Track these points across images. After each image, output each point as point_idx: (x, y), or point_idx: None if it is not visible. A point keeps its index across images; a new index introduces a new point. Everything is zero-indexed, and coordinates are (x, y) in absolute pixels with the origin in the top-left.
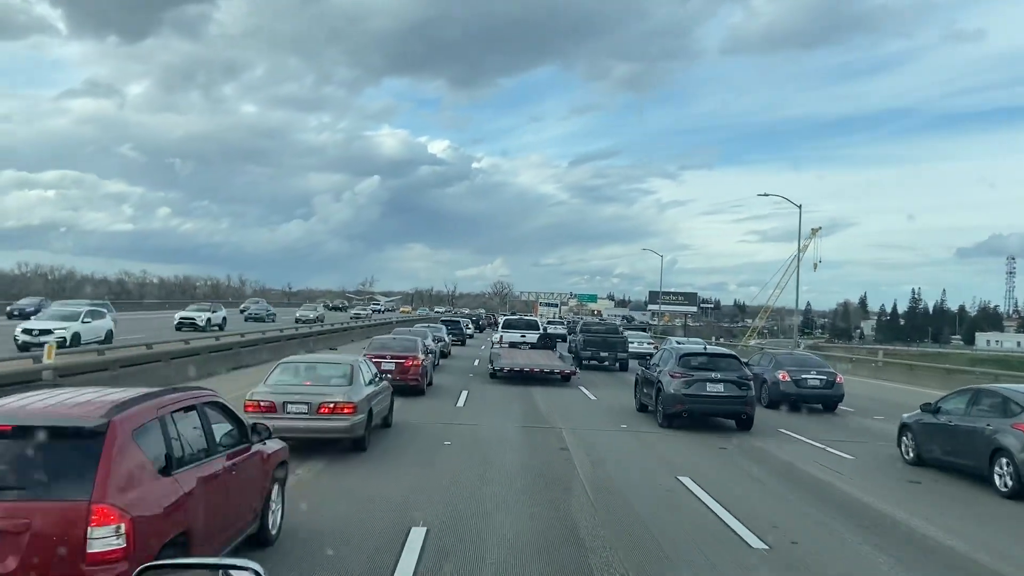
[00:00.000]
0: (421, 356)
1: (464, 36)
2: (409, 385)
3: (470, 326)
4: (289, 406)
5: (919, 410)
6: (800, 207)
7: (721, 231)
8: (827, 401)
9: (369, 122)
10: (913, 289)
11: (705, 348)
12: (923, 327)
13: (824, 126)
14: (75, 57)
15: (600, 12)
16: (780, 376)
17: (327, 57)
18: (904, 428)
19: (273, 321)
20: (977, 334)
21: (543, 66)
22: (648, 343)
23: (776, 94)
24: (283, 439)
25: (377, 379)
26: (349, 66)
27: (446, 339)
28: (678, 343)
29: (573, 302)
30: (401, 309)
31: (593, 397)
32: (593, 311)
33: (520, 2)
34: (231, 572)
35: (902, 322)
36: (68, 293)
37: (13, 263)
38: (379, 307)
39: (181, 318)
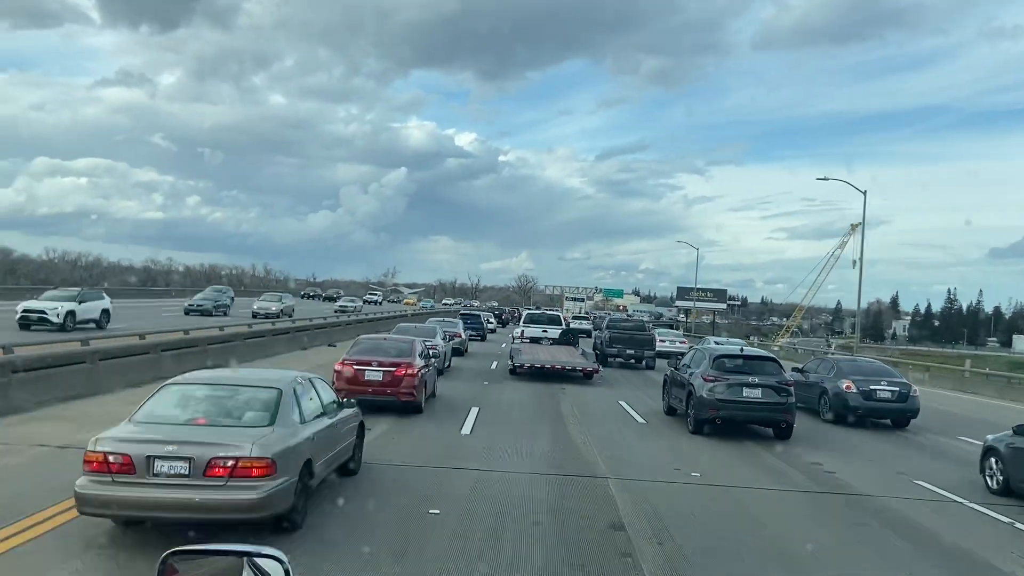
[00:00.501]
0: (418, 363)
1: (493, 29)
2: (401, 401)
3: (491, 320)
4: (159, 464)
5: (1010, 431)
6: (865, 193)
7: (748, 228)
8: (900, 416)
9: (397, 114)
10: (949, 289)
11: (742, 349)
12: (958, 328)
13: (856, 123)
14: (108, 46)
15: (632, 6)
16: (844, 386)
17: (356, 48)
18: (989, 452)
19: (224, 315)
20: (1015, 336)
21: (572, 60)
22: (680, 342)
23: (807, 90)
24: (154, 521)
25: (334, 406)
26: (378, 58)
27: (462, 335)
28: (716, 343)
29: (599, 297)
30: (405, 300)
31: (640, 418)
32: (619, 307)
33: None
34: (256, 559)
35: (936, 323)
36: (94, 280)
37: (41, 249)
38: (376, 298)
39: (25, 311)
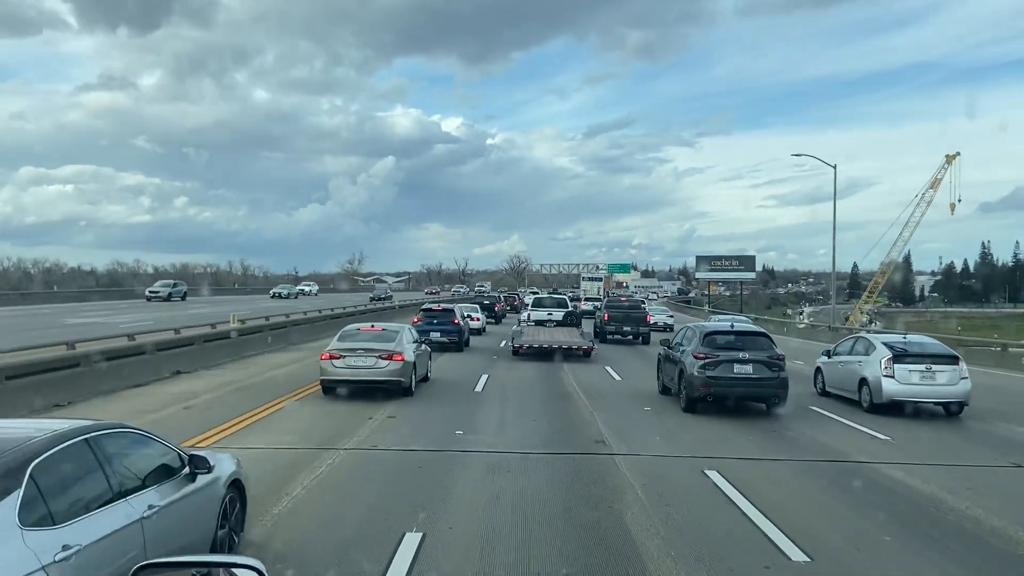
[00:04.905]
0: None
1: (476, 11)
2: None
3: (477, 315)
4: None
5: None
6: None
7: (739, 197)
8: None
9: (382, 102)
10: (983, 243)
11: (732, 326)
12: (997, 285)
13: (845, 85)
14: (88, 51)
15: None
16: None
17: (337, 38)
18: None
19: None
20: None
21: (556, 38)
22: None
23: (795, 54)
24: None
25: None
26: (359, 47)
27: (409, 358)
28: (887, 344)
29: (602, 273)
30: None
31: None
32: (619, 283)
33: None
34: (233, 571)
35: (973, 281)
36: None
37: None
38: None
39: None
